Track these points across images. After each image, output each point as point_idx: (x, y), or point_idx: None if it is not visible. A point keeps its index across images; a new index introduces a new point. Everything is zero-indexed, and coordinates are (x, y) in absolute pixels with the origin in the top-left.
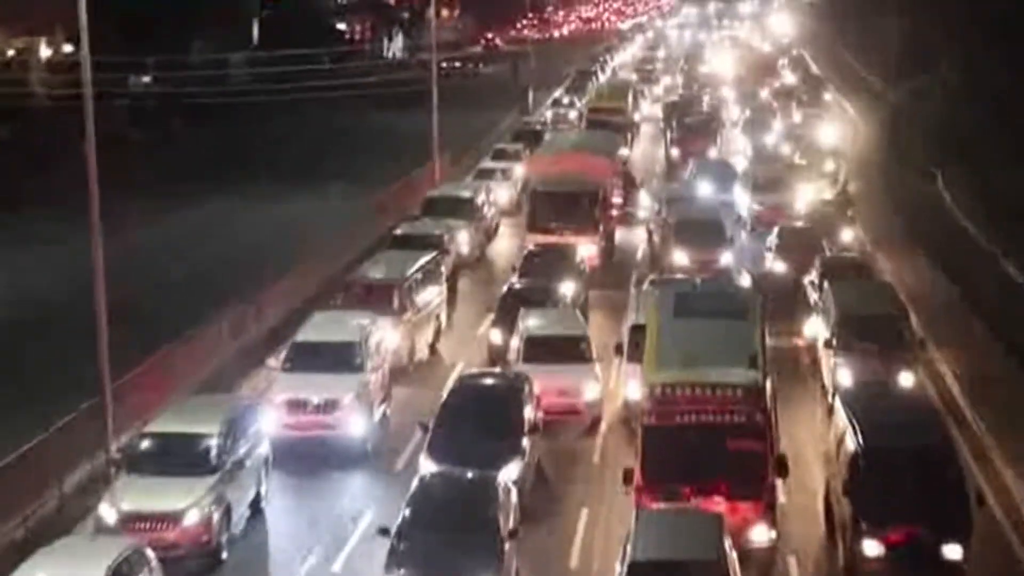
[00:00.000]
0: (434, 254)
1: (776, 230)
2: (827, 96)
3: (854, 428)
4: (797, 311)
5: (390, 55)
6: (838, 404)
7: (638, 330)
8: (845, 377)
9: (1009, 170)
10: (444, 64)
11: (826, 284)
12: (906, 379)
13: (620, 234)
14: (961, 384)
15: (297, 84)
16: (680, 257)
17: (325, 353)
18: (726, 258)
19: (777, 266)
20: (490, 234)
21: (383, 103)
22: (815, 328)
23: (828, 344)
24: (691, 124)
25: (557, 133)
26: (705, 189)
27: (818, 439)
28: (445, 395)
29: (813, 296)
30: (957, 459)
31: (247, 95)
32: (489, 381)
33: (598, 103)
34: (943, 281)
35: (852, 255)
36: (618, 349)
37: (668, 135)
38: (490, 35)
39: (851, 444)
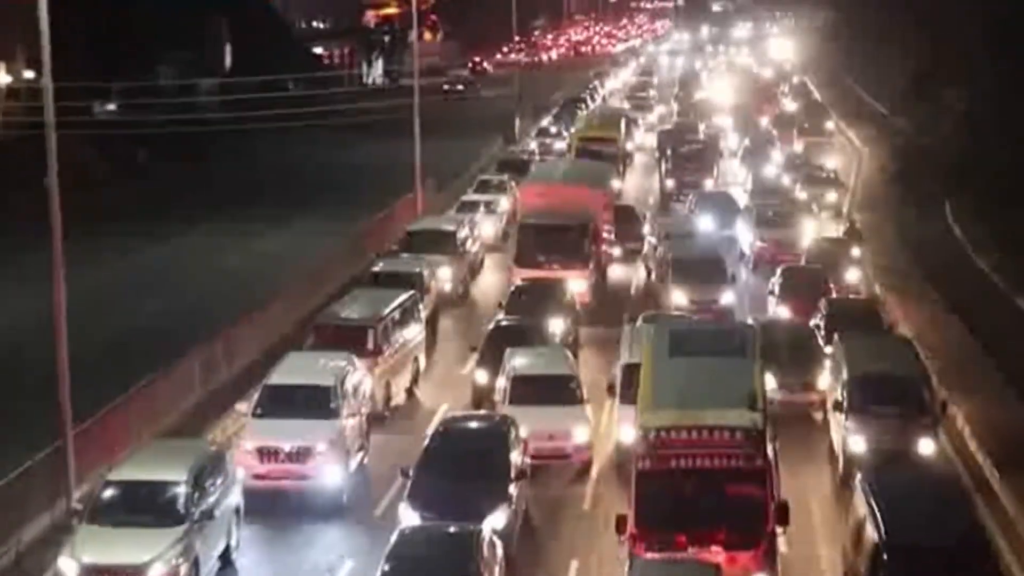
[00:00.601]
0: (412, 292)
1: (779, 271)
2: (830, 124)
3: (876, 518)
4: (809, 362)
5: (370, 81)
6: (857, 487)
7: (631, 369)
8: (858, 444)
9: (1021, 201)
10: (446, 87)
11: (836, 337)
12: (927, 448)
13: (612, 268)
14: (986, 448)
15: (271, 112)
16: (678, 296)
17: (298, 397)
18: (727, 297)
19: (781, 311)
20: (474, 269)
21: (363, 131)
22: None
23: (839, 406)
24: (687, 154)
25: (546, 163)
26: (705, 223)
27: (823, 489)
28: (427, 440)
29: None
30: (991, 557)
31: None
32: (473, 424)
33: (588, 132)
34: (958, 327)
35: (861, 298)
36: (610, 389)
37: (662, 166)
38: (477, 59)
39: (873, 536)
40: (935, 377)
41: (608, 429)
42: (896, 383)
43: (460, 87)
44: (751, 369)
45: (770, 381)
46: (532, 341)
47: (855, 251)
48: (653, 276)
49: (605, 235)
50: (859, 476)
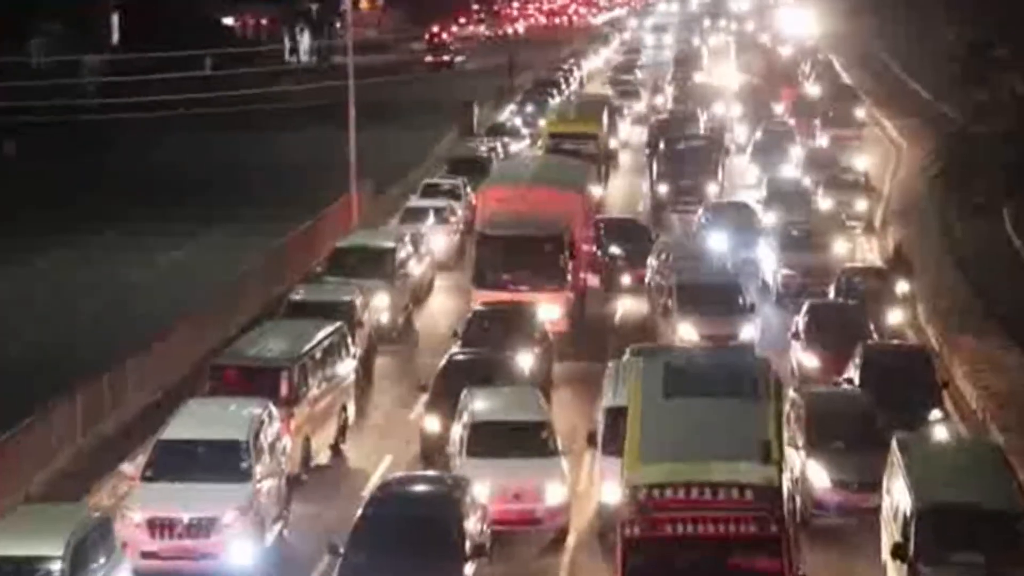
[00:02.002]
0: (338, 325)
1: (805, 307)
2: (860, 112)
3: None
4: (872, 452)
5: (294, 59)
6: None
7: (616, 414)
8: None
9: None
10: (430, 57)
11: (893, 443)
12: None
13: (622, 301)
14: None
15: (172, 97)
16: (687, 330)
17: (200, 455)
18: (747, 331)
19: (807, 358)
20: (421, 295)
21: (286, 120)
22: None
23: (899, 553)
24: (684, 152)
25: (511, 160)
26: (719, 242)
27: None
28: (362, 507)
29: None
30: None
31: (104, 111)
32: (419, 488)
33: (562, 127)
34: None
35: (907, 345)
36: (591, 439)
37: (653, 167)
38: (436, 29)
39: None
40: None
41: (588, 487)
42: (984, 520)
43: (458, 58)
44: (765, 412)
45: (820, 476)
46: (495, 379)
47: (901, 285)
48: (654, 307)
49: (585, 248)
50: None
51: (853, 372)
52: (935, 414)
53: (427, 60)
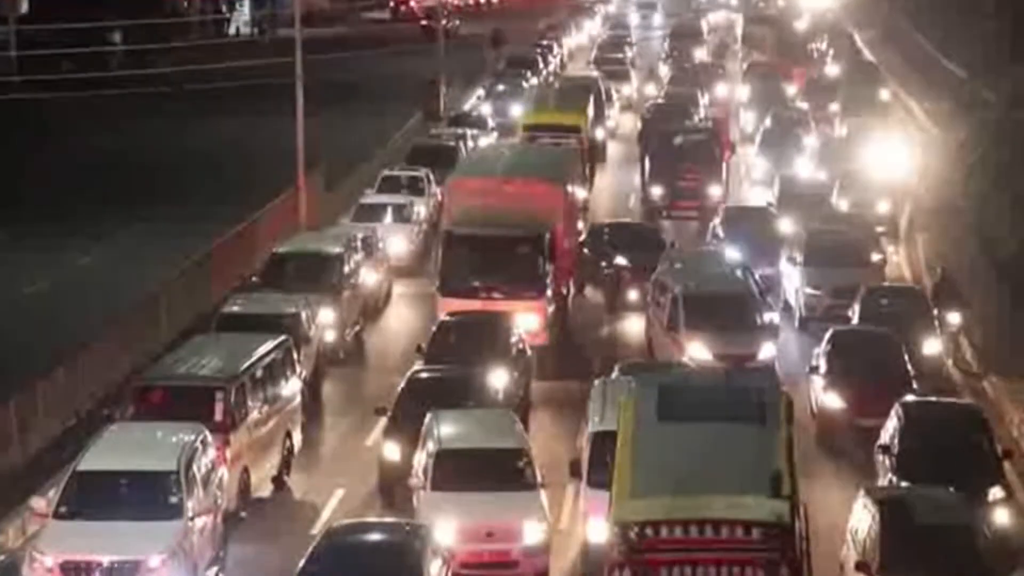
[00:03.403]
0: (282, 339)
1: (828, 335)
2: (885, 94)
3: None
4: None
5: (233, 31)
6: None
7: (604, 440)
8: None
9: None
10: (425, 20)
11: None
12: None
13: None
14: None
15: (89, 75)
16: (697, 349)
17: (123, 489)
18: (767, 350)
19: (830, 400)
20: (376, 306)
21: (222, 101)
22: None
23: None
24: (682, 147)
25: (483, 148)
26: (734, 253)
27: None
28: (303, 561)
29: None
30: None
31: (10, 90)
32: (370, 538)
33: (540, 117)
34: None
35: (957, 404)
36: (574, 468)
37: (645, 164)
38: None
39: None
40: None
41: (572, 524)
42: None
43: (455, 23)
44: (774, 439)
45: None
46: (464, 400)
47: (952, 317)
48: (652, 321)
49: (568, 248)
50: None
51: (889, 437)
52: (995, 493)
53: (423, 26)
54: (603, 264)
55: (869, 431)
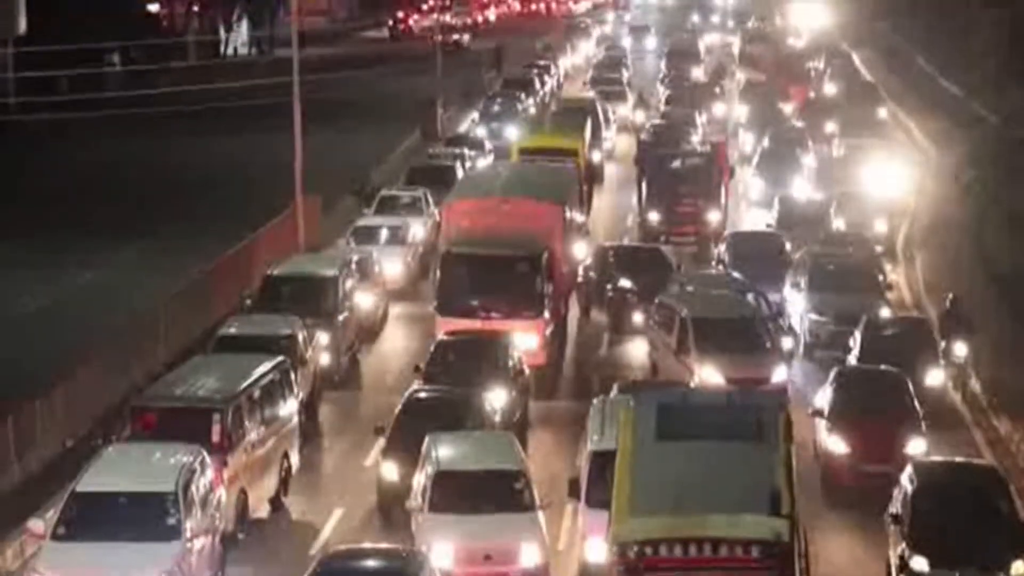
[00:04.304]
0: (280, 360)
1: (832, 375)
2: (883, 113)
3: None
4: None
5: (231, 51)
6: None
7: (602, 459)
8: None
9: None
10: (441, 37)
11: None
12: None
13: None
14: None
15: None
16: (709, 373)
17: (121, 510)
18: (779, 373)
19: (834, 443)
20: (374, 326)
21: (224, 121)
22: None
23: None
24: (679, 171)
25: (480, 168)
26: (741, 275)
27: None
28: None
29: None
30: None
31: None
32: (369, 563)
33: (536, 141)
34: None
35: (974, 466)
36: (573, 488)
37: (642, 188)
38: (401, 15)
39: None
40: None
41: (571, 544)
42: None
43: (465, 36)
44: (774, 458)
45: None
46: (462, 419)
47: (959, 348)
48: (655, 343)
49: (566, 267)
50: None
51: (900, 505)
52: (1018, 567)
53: (441, 40)
54: (608, 287)
55: (876, 477)
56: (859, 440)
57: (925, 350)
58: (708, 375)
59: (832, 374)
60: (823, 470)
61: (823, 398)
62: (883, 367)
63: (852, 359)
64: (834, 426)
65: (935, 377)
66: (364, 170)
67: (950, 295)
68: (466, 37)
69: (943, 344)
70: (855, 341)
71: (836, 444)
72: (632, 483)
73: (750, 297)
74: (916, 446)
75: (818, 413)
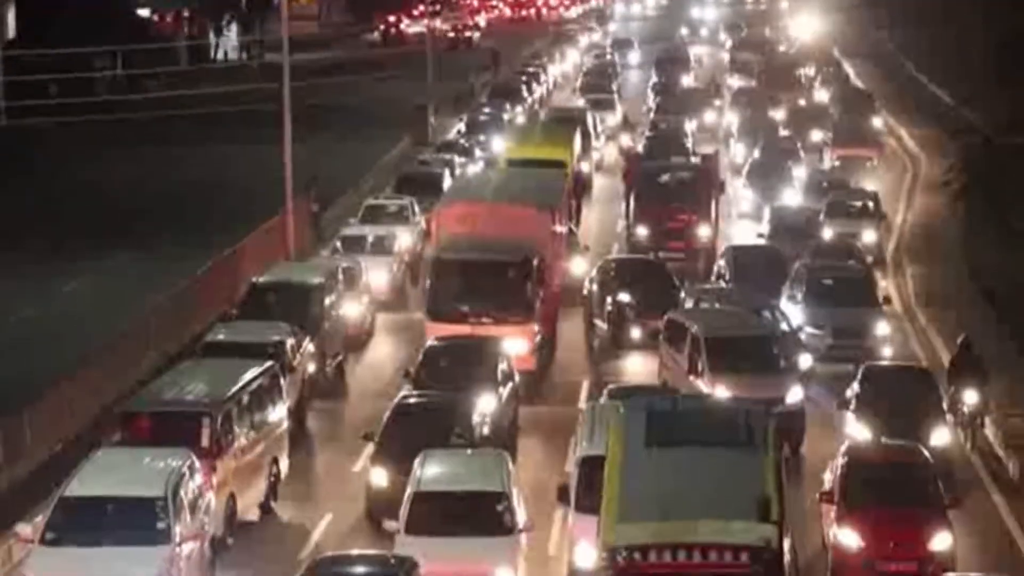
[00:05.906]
0: (269, 365)
1: (841, 449)
2: (875, 121)
3: None
4: None
5: (221, 56)
6: None
7: (592, 465)
8: None
9: None
10: (450, 32)
11: None
12: None
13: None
14: None
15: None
16: (723, 394)
17: (111, 515)
18: (794, 393)
19: (845, 537)
20: (361, 335)
21: (213, 127)
22: None
23: None
24: (668, 185)
25: (470, 174)
26: (745, 292)
27: None
28: None
29: None
30: None
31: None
32: (357, 569)
33: (524, 151)
34: None
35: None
36: (562, 493)
37: (631, 201)
38: (392, 19)
39: None
40: None
41: (560, 550)
42: None
43: (474, 34)
44: (763, 464)
45: None
46: (451, 425)
47: (970, 396)
48: (665, 361)
49: (556, 272)
50: None
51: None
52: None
53: (449, 36)
54: (609, 300)
55: None
56: (873, 531)
57: (928, 404)
58: (722, 395)
59: (841, 449)
60: (834, 565)
61: (830, 479)
62: (898, 443)
63: (849, 416)
64: (845, 514)
65: (941, 436)
66: (357, 174)
67: (962, 337)
68: (476, 34)
69: (951, 390)
70: (852, 392)
71: (847, 536)
72: (622, 489)
73: (766, 313)
74: (942, 541)
75: (827, 497)
